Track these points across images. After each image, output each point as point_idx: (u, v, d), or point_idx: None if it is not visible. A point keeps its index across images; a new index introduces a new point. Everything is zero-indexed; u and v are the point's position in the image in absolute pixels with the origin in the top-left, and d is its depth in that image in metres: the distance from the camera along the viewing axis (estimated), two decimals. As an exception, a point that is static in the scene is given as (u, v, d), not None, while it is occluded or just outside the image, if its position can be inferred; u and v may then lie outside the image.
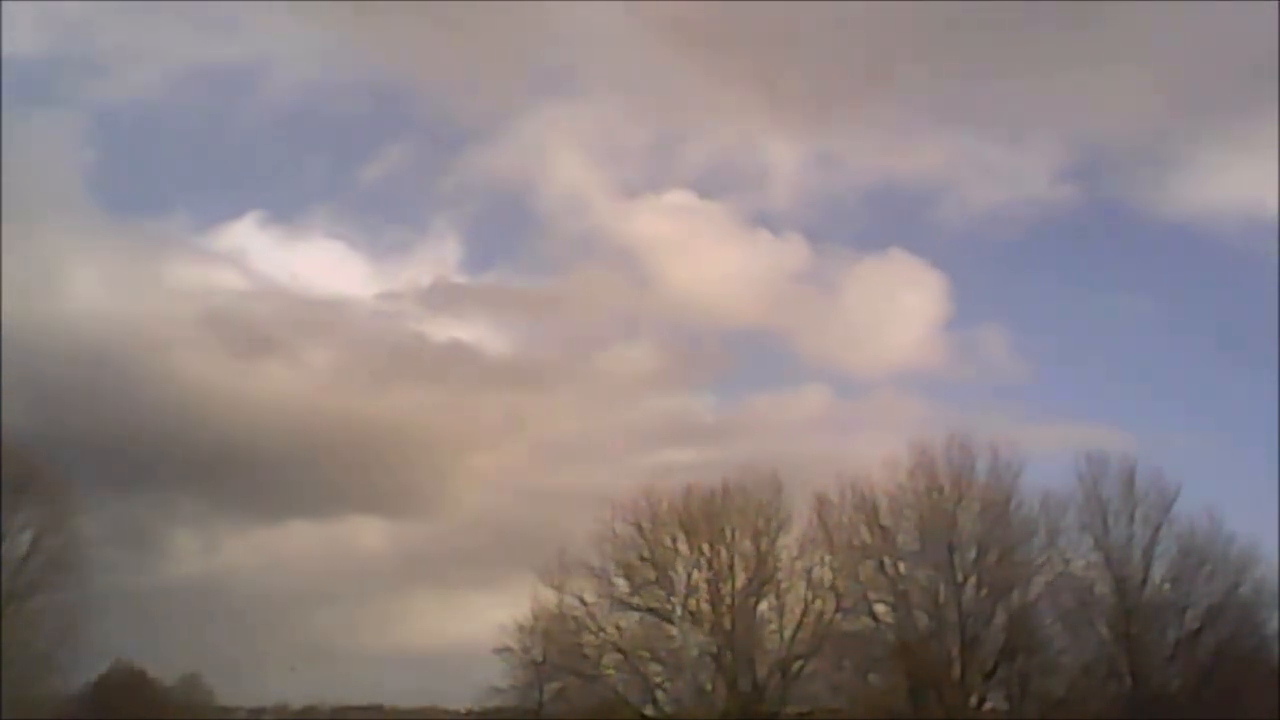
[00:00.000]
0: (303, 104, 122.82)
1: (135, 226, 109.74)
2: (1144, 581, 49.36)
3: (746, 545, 51.09)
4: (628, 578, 51.48)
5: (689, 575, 51.24)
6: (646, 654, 51.02)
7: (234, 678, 71.93)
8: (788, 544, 51.52)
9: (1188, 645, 48.94)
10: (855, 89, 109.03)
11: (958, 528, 49.25)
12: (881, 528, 50.19)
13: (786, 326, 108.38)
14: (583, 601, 51.59)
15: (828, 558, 50.83)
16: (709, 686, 50.29)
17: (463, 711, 68.07)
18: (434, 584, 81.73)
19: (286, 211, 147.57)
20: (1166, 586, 49.69)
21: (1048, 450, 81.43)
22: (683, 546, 51.42)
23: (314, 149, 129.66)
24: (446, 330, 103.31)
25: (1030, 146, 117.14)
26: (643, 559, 51.40)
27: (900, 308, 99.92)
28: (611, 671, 51.12)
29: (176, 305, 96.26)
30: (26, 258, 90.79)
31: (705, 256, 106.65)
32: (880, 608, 50.12)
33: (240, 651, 74.13)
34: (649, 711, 50.73)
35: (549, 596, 51.79)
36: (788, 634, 50.44)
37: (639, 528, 51.64)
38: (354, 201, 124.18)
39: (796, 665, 50.20)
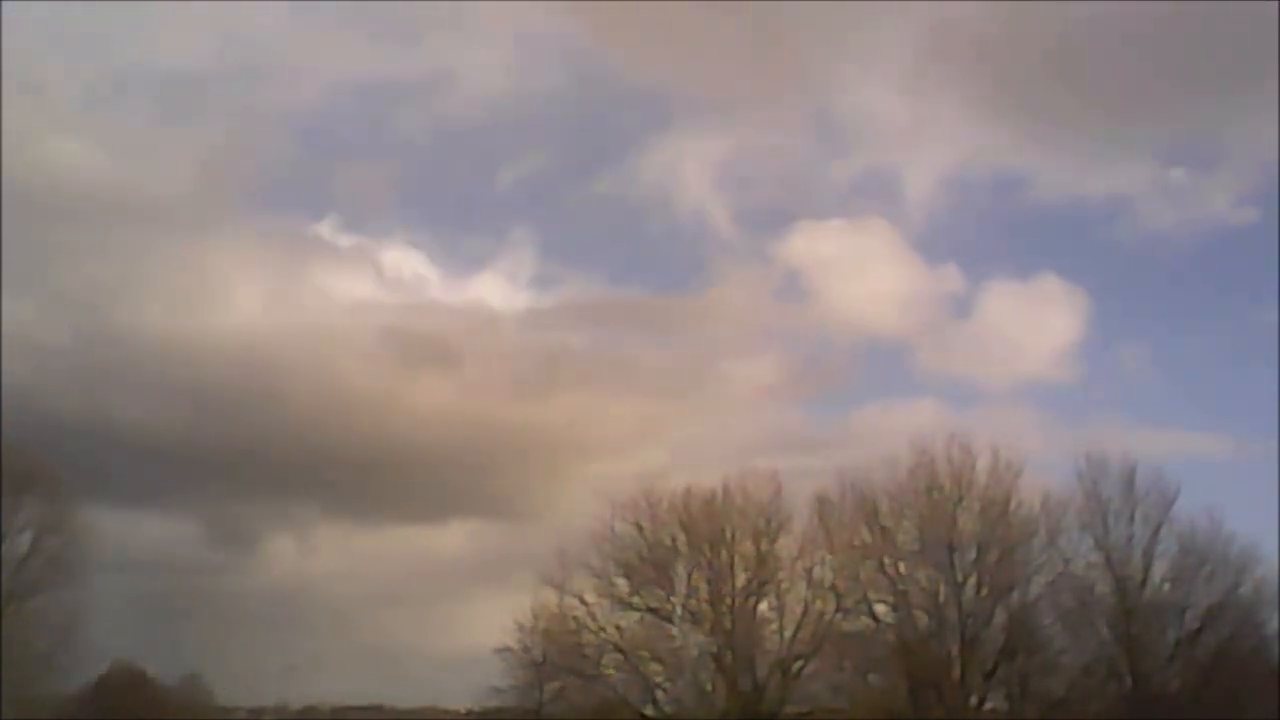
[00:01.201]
0: (460, 119, 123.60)
1: (297, 239, 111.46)
2: (1144, 581, 49.36)
3: (746, 545, 51.08)
4: (628, 578, 51.47)
5: (689, 575, 51.25)
6: (646, 654, 51.00)
7: (236, 678, 72.16)
8: (788, 544, 51.59)
9: (1188, 645, 48.92)
10: (1041, 108, 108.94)
11: (958, 528, 49.25)
12: (882, 528, 50.19)
13: (915, 342, 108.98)
14: (583, 601, 51.64)
15: (828, 558, 50.85)
16: (709, 686, 50.30)
17: (463, 711, 68.14)
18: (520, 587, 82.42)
19: (437, 225, 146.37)
20: (1166, 586, 49.70)
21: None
22: (683, 546, 51.42)
23: (464, 163, 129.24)
24: (587, 339, 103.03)
25: (1221, 169, 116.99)
26: (643, 559, 51.40)
27: (1034, 326, 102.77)
28: (611, 671, 51.13)
29: (333, 318, 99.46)
30: (196, 270, 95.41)
31: (846, 274, 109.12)
32: (880, 608, 50.17)
33: (294, 654, 76.55)
34: (649, 711, 50.73)
35: (549, 596, 51.93)
36: (788, 634, 50.46)
37: (639, 528, 51.69)
38: (495, 214, 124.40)
39: (796, 665, 50.21)
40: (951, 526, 49.23)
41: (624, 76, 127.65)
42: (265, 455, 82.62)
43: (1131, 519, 49.52)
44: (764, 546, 51.15)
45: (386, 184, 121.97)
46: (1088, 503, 49.89)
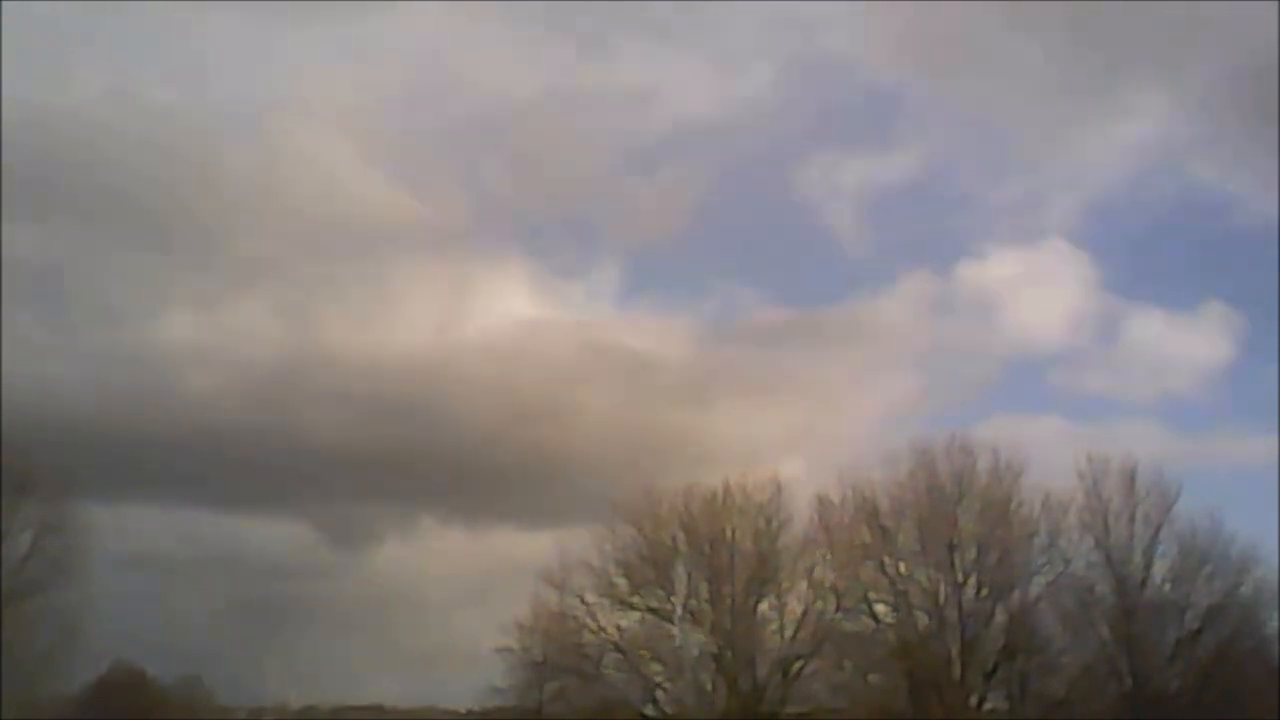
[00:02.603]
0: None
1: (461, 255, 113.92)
2: (1144, 581, 49.41)
3: (747, 545, 51.07)
4: (628, 578, 51.44)
5: (689, 575, 51.24)
6: (646, 654, 51.00)
7: (239, 678, 72.22)
8: (788, 544, 51.57)
9: (1188, 645, 48.93)
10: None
11: (958, 528, 49.29)
12: (882, 528, 50.21)
13: (1057, 359, 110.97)
14: (583, 601, 51.63)
15: (828, 558, 50.84)
16: (709, 686, 50.28)
17: (463, 711, 68.15)
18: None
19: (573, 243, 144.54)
20: (1166, 586, 49.72)
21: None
22: (683, 546, 51.41)
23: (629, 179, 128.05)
24: (742, 352, 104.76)
25: None
26: (643, 559, 51.38)
27: (1181, 347, 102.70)
28: (611, 671, 51.12)
29: (506, 333, 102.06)
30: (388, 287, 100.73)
31: (1000, 292, 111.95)
32: (880, 608, 50.19)
33: (360, 654, 77.82)
34: (649, 711, 50.72)
35: (549, 596, 51.93)
36: (788, 634, 50.47)
37: (639, 528, 51.66)
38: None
39: (797, 665, 50.20)
40: (952, 526, 49.26)
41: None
42: (420, 462, 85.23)
43: (1132, 519, 49.62)
44: (764, 546, 51.16)
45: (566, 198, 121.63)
46: (1088, 503, 50.01)
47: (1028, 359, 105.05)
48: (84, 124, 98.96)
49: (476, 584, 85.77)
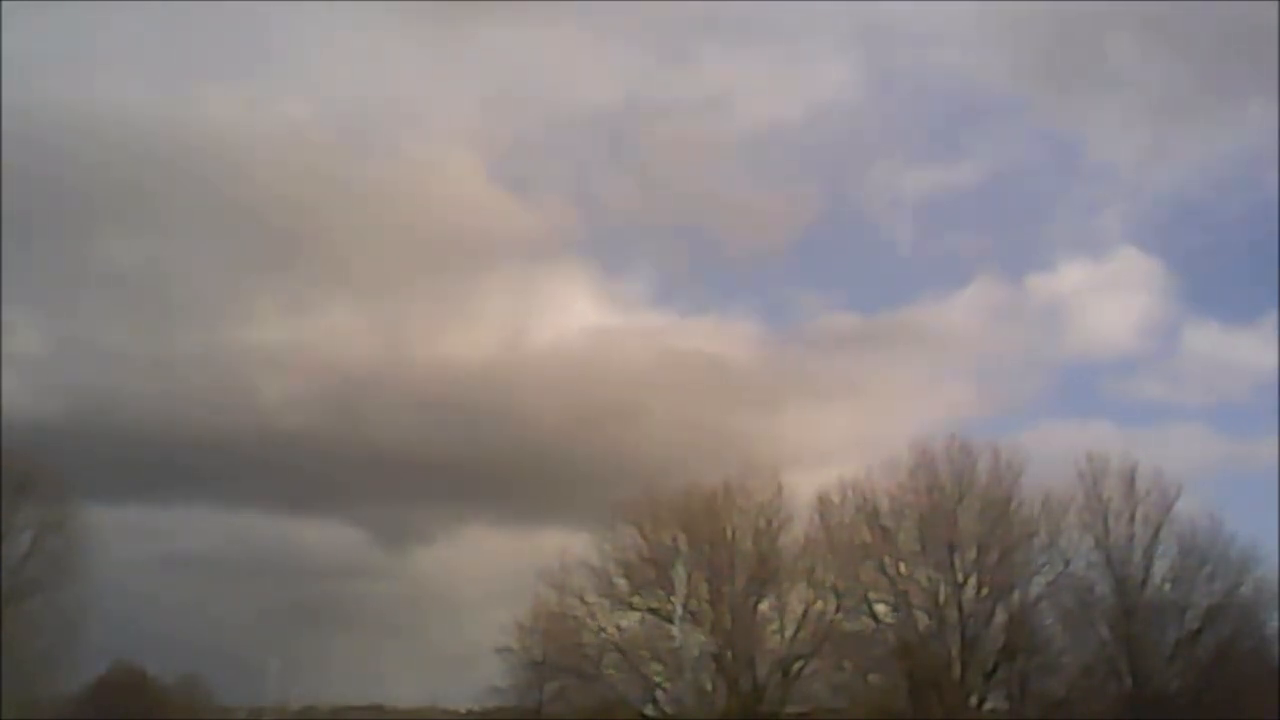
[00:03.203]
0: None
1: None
2: (1144, 581, 49.40)
3: (747, 545, 51.08)
4: (628, 578, 51.47)
5: (689, 575, 51.20)
6: (646, 654, 51.01)
7: (237, 678, 72.21)
8: (788, 544, 51.59)
9: (1188, 645, 48.95)
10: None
11: (958, 528, 49.29)
12: (882, 528, 50.23)
13: (1116, 365, 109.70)
14: (583, 601, 51.64)
15: (828, 558, 50.81)
16: (709, 686, 50.28)
17: (463, 711, 68.15)
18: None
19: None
20: (1166, 586, 49.72)
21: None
22: (683, 546, 51.39)
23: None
24: (810, 357, 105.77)
25: None
26: (643, 559, 51.40)
27: (1233, 358, 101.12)
28: (611, 671, 51.09)
29: (586, 340, 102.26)
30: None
31: (1066, 300, 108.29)
32: (880, 608, 50.17)
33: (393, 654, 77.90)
34: (649, 711, 50.73)
35: (549, 596, 51.93)
36: (788, 634, 50.46)
37: (639, 528, 51.66)
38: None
39: (797, 665, 50.20)
40: (952, 526, 49.27)
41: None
42: (480, 466, 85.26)
43: (1132, 519, 49.59)
44: (764, 546, 51.16)
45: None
46: (1088, 503, 49.98)
47: (1087, 365, 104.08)
48: (209, 136, 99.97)
49: (514, 585, 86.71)
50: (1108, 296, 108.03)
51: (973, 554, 49.06)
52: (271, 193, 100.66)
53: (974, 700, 48.45)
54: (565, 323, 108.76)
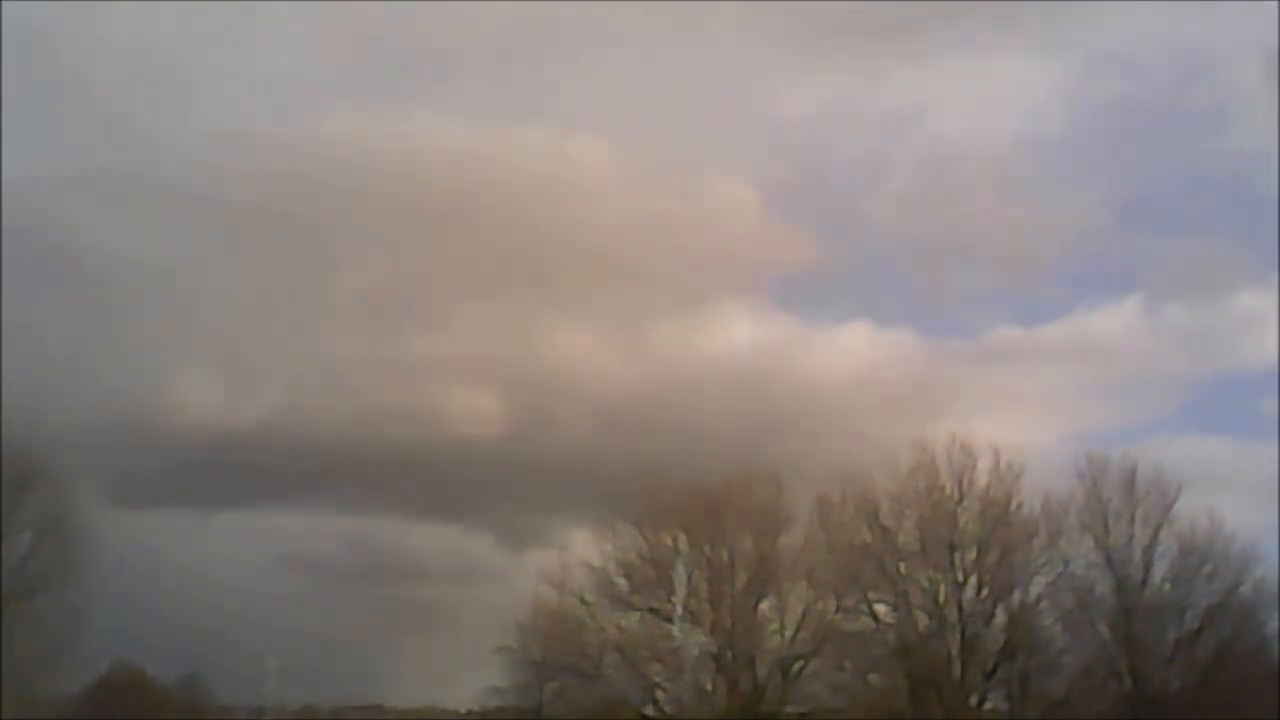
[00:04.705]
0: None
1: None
2: (1144, 581, 49.43)
3: (747, 545, 51.04)
4: (628, 578, 51.47)
5: (689, 575, 51.21)
6: (646, 654, 50.98)
7: (234, 678, 72.29)
8: (788, 544, 51.56)
9: (1188, 645, 48.96)
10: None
11: (958, 528, 49.31)
12: (882, 528, 50.20)
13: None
14: (583, 601, 51.64)
15: (828, 558, 50.80)
16: (709, 686, 50.28)
17: (462, 711, 68.19)
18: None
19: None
20: (1166, 586, 49.75)
21: None
22: (683, 546, 51.39)
23: None
24: (955, 369, 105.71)
25: None
26: (643, 559, 51.40)
27: None
28: (611, 671, 51.05)
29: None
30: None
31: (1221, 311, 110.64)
32: (880, 608, 50.19)
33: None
34: (649, 711, 50.72)
35: (549, 596, 51.93)
36: (788, 634, 50.41)
37: (639, 527, 51.66)
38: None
39: (797, 665, 50.20)
40: (952, 527, 49.28)
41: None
42: (637, 474, 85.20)
43: (1132, 519, 49.61)
44: (764, 546, 51.11)
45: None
46: (1088, 503, 49.99)
47: (1234, 381, 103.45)
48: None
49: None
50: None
51: (973, 554, 49.06)
52: (529, 221, 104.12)
53: (974, 700, 48.46)
54: (731, 338, 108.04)
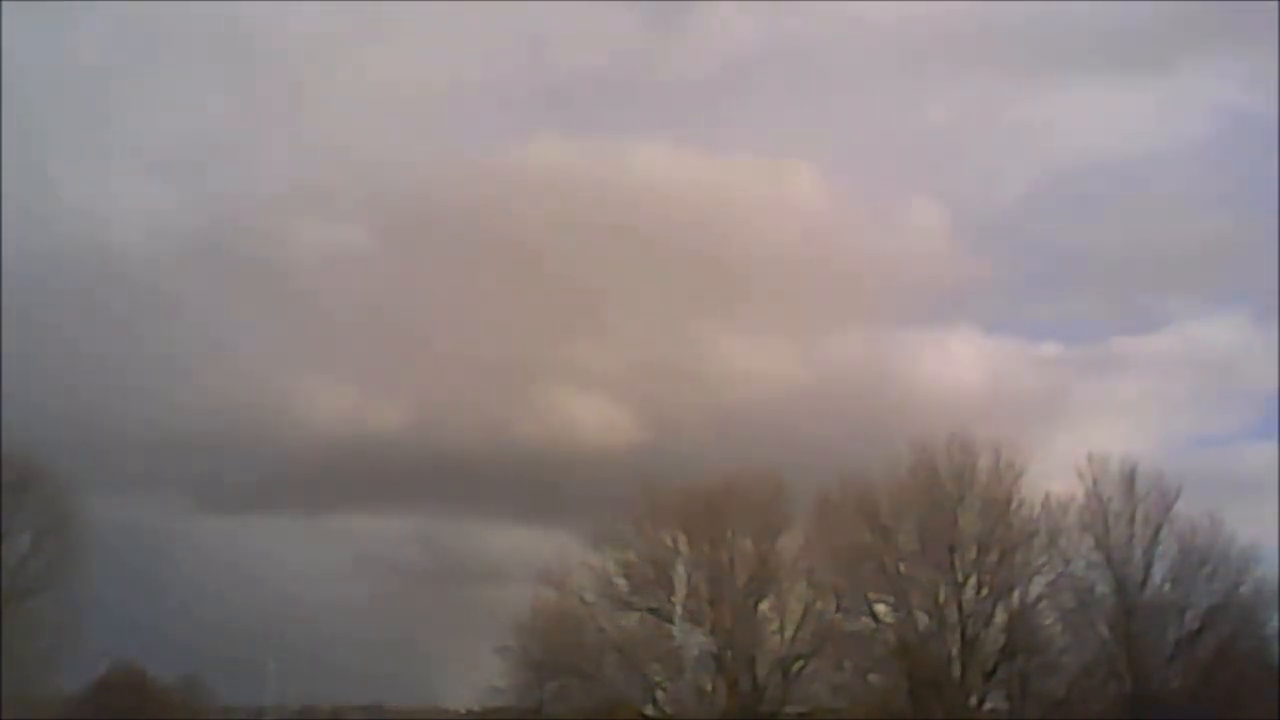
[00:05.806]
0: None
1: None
2: (1144, 581, 49.43)
3: (747, 545, 51.09)
4: (628, 578, 51.50)
5: (689, 575, 51.20)
6: (646, 654, 51.02)
7: (234, 678, 72.17)
8: (788, 544, 51.60)
9: (1188, 645, 48.97)
10: None
11: (958, 528, 49.28)
12: (882, 528, 50.18)
13: None
14: (583, 601, 51.68)
15: (828, 558, 50.79)
16: (709, 686, 50.30)
17: (463, 711, 68.14)
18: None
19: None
20: (1166, 586, 49.76)
21: None
22: (683, 546, 51.41)
23: None
24: (1034, 377, 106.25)
25: None
26: (643, 559, 51.44)
27: None
28: (611, 671, 51.08)
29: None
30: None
31: None
32: (880, 608, 50.19)
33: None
34: (649, 711, 50.74)
35: (549, 596, 51.91)
36: (788, 634, 50.47)
37: (639, 527, 51.68)
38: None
39: (797, 665, 50.24)
40: (952, 526, 49.26)
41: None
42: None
43: (1132, 519, 49.60)
44: (764, 546, 51.16)
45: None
46: (1088, 503, 50.01)
47: None
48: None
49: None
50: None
51: (973, 554, 49.05)
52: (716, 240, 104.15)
53: (974, 700, 48.45)
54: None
